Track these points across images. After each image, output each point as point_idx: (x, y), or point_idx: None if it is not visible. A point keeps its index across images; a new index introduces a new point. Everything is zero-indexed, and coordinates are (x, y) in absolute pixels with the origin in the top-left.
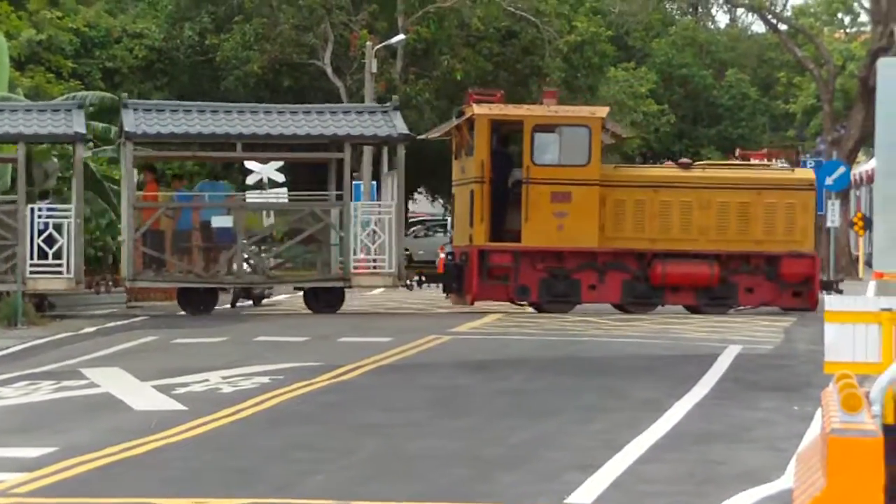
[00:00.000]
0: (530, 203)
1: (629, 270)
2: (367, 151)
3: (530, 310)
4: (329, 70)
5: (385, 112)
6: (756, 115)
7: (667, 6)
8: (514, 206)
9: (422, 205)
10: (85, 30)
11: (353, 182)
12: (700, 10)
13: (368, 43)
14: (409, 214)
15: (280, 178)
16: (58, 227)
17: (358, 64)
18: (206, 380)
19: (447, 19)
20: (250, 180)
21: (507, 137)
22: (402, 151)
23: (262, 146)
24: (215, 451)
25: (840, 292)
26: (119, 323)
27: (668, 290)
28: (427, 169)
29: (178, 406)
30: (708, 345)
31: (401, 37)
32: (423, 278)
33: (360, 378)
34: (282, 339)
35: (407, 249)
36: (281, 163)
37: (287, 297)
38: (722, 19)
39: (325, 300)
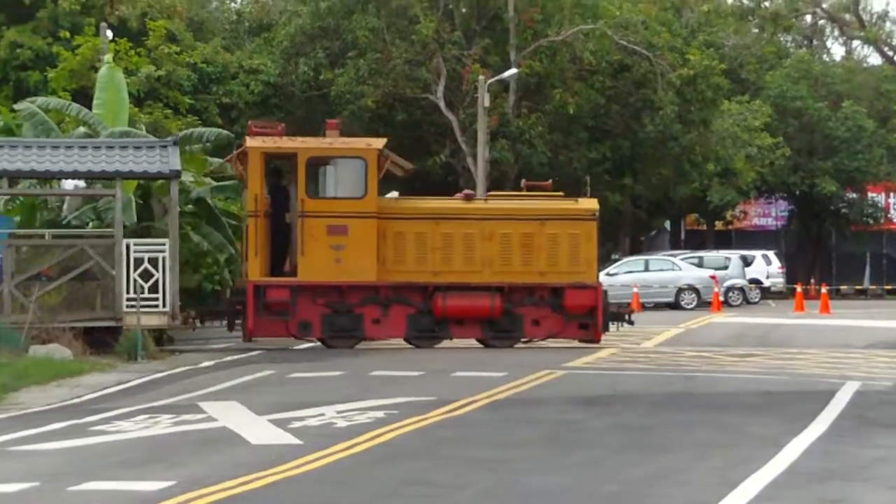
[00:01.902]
0: (306, 237)
1: (413, 304)
2: None
3: (646, 345)
4: (442, 104)
5: (164, 147)
6: (873, 146)
7: (781, 39)
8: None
9: None
10: (202, 66)
11: None
12: (815, 42)
13: (481, 77)
14: None
15: None
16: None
17: (471, 98)
18: (322, 414)
19: (560, 53)
20: None
21: (286, 171)
22: (174, 188)
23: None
24: (330, 485)
25: (631, 323)
26: (236, 357)
27: (452, 323)
28: None
29: (294, 440)
30: (826, 381)
31: (513, 71)
32: (195, 318)
33: (474, 413)
34: (396, 374)
35: None
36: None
37: None
38: (837, 51)
39: (99, 339)
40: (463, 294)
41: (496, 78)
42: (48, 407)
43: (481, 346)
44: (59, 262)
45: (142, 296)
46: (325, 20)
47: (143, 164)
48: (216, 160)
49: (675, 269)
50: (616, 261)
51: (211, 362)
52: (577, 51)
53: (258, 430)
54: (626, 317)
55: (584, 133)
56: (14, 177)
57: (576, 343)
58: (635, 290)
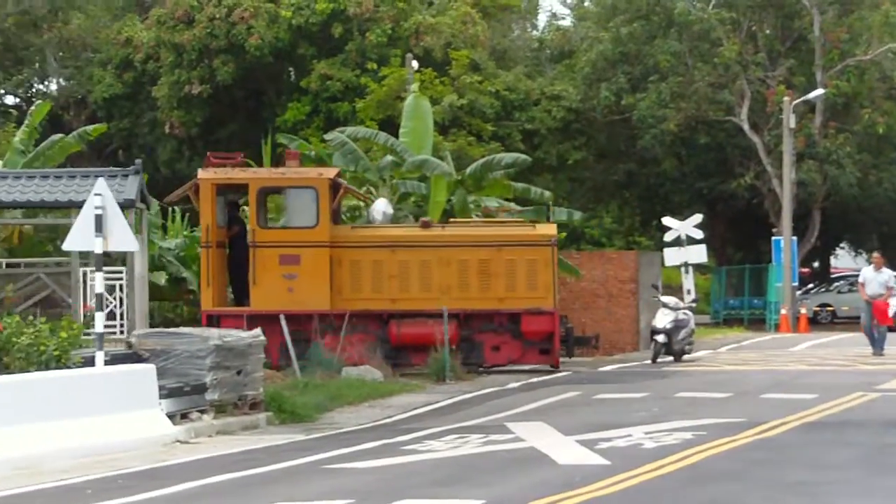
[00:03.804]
0: (258, 266)
1: (370, 332)
2: None
3: None
4: (746, 126)
5: (126, 176)
6: None
7: None
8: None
9: (843, 260)
10: (505, 93)
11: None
12: None
13: (786, 98)
14: (832, 270)
15: (699, 234)
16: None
17: (775, 119)
18: (629, 435)
19: (868, 72)
20: (668, 237)
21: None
22: (130, 217)
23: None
24: None
25: (596, 348)
26: (542, 378)
27: (410, 350)
28: (850, 223)
29: (602, 461)
30: None
31: (820, 91)
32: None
33: (785, 435)
34: (703, 395)
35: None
36: (699, 219)
37: (707, 353)
38: None
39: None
40: (419, 321)
41: (802, 99)
42: (360, 426)
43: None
44: (20, 289)
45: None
46: (627, 45)
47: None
48: (520, 185)
49: None
50: None
51: (517, 384)
52: (887, 70)
53: (565, 450)
54: (593, 342)
55: (895, 153)
56: None
57: (885, 362)
58: None
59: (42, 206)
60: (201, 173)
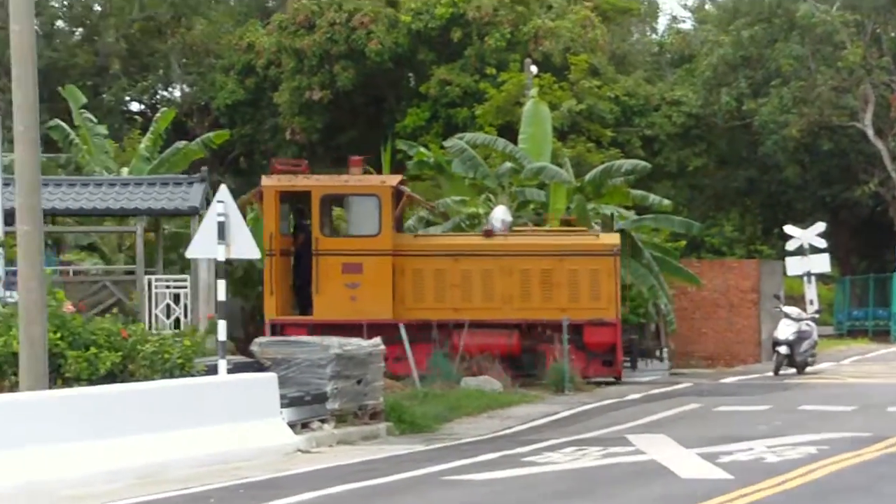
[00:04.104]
0: (321, 275)
1: (433, 341)
2: None
3: None
4: (870, 132)
5: (191, 184)
6: None
7: None
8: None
9: None
10: (624, 98)
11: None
12: None
13: None
14: None
15: (822, 243)
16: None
17: None
18: (751, 448)
19: None
20: (790, 246)
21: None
22: (194, 224)
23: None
24: None
25: (661, 360)
26: (663, 390)
27: (473, 360)
28: None
29: (724, 475)
30: None
31: None
32: None
33: None
34: (826, 408)
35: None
36: (822, 227)
37: (831, 365)
38: None
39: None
40: (481, 331)
41: None
42: (480, 437)
43: None
44: (88, 297)
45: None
46: (748, 49)
47: (164, 201)
48: (639, 192)
49: None
50: None
51: (637, 395)
52: None
53: (687, 463)
54: (658, 353)
55: None
56: (54, 215)
57: None
58: None
59: (100, 215)
60: (265, 180)
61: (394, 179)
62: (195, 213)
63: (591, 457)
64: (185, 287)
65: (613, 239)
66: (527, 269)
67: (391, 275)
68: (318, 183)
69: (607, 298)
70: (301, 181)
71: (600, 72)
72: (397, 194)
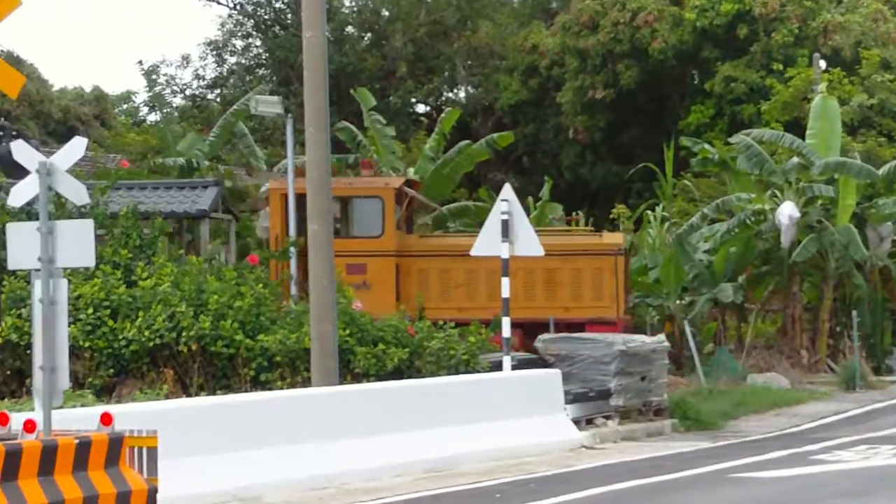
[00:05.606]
0: None
1: None
2: None
3: None
4: None
5: (205, 188)
6: None
7: None
8: None
9: None
10: None
11: None
12: None
13: None
14: None
15: None
16: None
17: None
18: None
19: None
20: None
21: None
22: (204, 227)
23: None
24: None
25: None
26: None
27: None
28: None
29: None
30: None
31: None
32: None
33: None
34: None
35: None
36: None
37: None
38: None
39: None
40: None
41: None
42: (767, 435)
43: None
44: None
45: None
46: None
47: (175, 204)
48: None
49: None
50: None
51: None
52: None
53: None
54: None
55: None
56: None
57: None
58: None
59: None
60: (271, 183)
61: (397, 181)
62: (204, 216)
63: (882, 456)
64: None
65: (617, 239)
66: (531, 268)
67: (395, 276)
68: None
69: (609, 297)
70: (304, 183)
71: (893, 66)
72: (401, 196)
